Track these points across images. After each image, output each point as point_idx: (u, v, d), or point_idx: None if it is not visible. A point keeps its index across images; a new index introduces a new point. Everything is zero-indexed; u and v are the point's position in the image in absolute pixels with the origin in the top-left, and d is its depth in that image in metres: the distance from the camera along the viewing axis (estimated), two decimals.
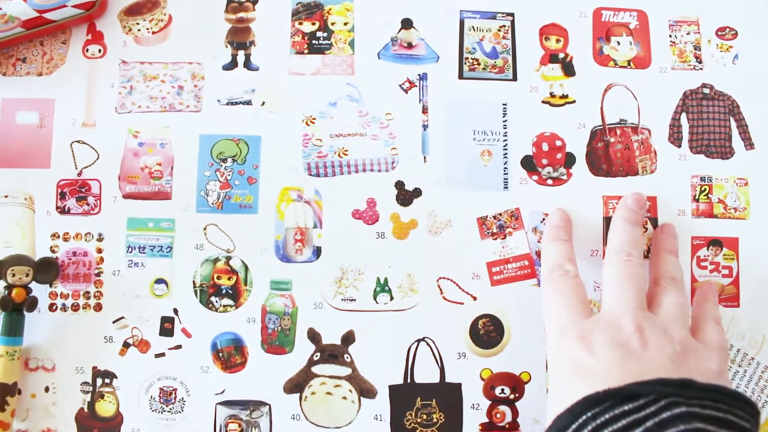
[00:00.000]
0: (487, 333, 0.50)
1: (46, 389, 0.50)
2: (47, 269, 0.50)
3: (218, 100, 0.52)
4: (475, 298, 0.51)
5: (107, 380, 0.50)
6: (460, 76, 0.53)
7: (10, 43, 0.51)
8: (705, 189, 0.52)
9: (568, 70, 0.53)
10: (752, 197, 0.52)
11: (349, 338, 0.50)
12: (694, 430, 0.33)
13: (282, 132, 0.52)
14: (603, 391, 0.37)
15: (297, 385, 0.50)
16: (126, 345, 0.50)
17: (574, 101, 0.53)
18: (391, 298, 0.50)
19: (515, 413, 0.50)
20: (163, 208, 0.51)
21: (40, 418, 0.50)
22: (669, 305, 0.43)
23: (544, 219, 0.51)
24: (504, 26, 0.53)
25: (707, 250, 0.52)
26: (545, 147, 0.52)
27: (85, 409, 0.50)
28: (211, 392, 0.50)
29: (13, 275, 0.48)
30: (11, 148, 0.51)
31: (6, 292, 0.48)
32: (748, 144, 0.53)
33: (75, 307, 0.50)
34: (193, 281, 0.50)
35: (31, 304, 0.49)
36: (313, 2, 0.53)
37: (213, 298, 0.50)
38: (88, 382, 0.50)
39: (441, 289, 0.51)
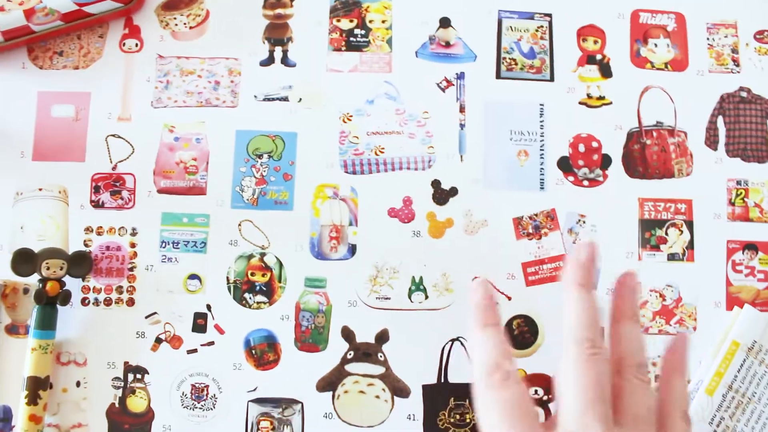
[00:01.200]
0: (522, 333, 0.50)
1: (78, 384, 0.49)
2: (81, 263, 0.49)
3: (255, 96, 0.51)
4: (509, 299, 0.50)
5: (139, 376, 0.49)
6: (498, 76, 0.52)
7: (49, 36, 0.50)
8: (741, 193, 0.52)
9: (606, 71, 0.52)
10: None
11: (383, 337, 0.49)
12: None
13: (318, 129, 0.51)
14: None
15: (330, 383, 0.49)
16: (158, 340, 0.49)
17: (610, 103, 0.52)
18: (426, 297, 0.49)
19: (548, 414, 0.49)
20: (197, 203, 0.50)
21: (71, 413, 0.49)
22: (638, 414, 0.35)
23: (579, 220, 0.51)
24: (542, 27, 0.53)
25: (742, 254, 0.51)
26: (582, 148, 0.52)
27: (116, 405, 0.49)
28: (243, 389, 0.49)
29: (48, 268, 0.47)
30: (46, 141, 0.51)
31: (40, 285, 0.47)
32: None
33: (108, 302, 0.50)
34: (227, 277, 0.50)
35: (65, 297, 0.48)
36: (352, 0, 0.52)
37: (246, 295, 0.49)
38: (120, 378, 0.49)
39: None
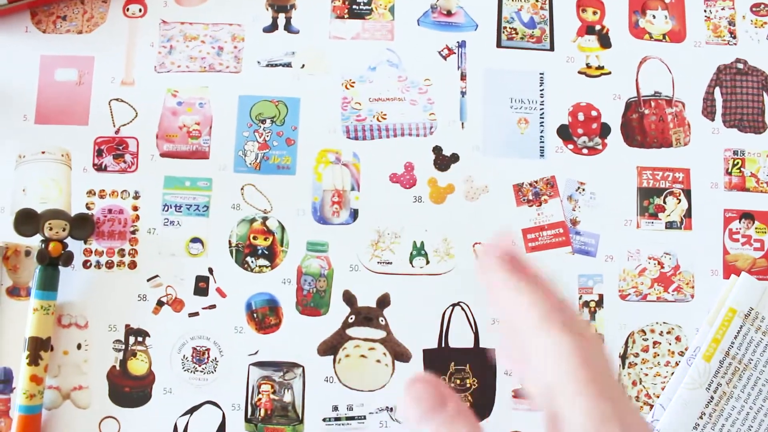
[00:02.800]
0: None
1: (79, 346, 0.49)
2: (83, 225, 0.49)
3: (258, 62, 0.51)
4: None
5: (140, 339, 0.49)
6: (498, 45, 0.52)
7: (52, 0, 0.50)
8: (738, 162, 0.52)
9: (605, 41, 0.53)
10: None
11: (384, 301, 0.49)
12: None
13: (321, 95, 0.51)
14: None
15: (331, 347, 0.49)
16: (160, 303, 0.49)
17: (609, 73, 0.52)
18: (427, 262, 0.49)
19: None
20: (200, 167, 0.50)
21: (72, 375, 0.49)
22: None
23: (579, 187, 0.51)
24: None
25: (739, 222, 0.51)
26: (581, 117, 0.52)
27: (117, 367, 0.48)
28: (244, 353, 0.49)
29: (50, 229, 0.47)
30: (49, 105, 0.50)
31: (43, 245, 0.47)
32: None
33: (109, 265, 0.49)
34: (229, 241, 0.49)
35: (67, 258, 0.48)
36: None
37: (249, 258, 0.49)
38: (121, 340, 0.49)
39: (477, 254, 0.50)
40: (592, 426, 0.23)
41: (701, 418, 0.49)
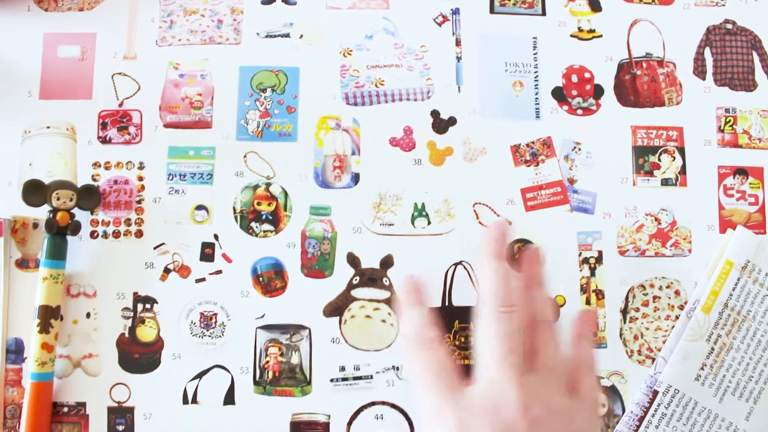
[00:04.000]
0: None
1: (88, 315, 0.49)
2: (89, 196, 0.49)
3: (257, 33, 0.52)
4: (510, 223, 0.51)
5: (148, 305, 0.49)
6: (491, 11, 0.53)
7: None
8: (730, 120, 0.53)
9: (595, 5, 0.54)
10: None
11: (387, 262, 0.50)
12: None
13: (320, 63, 0.52)
14: None
15: (336, 308, 0.49)
16: (167, 270, 0.50)
17: (601, 36, 0.53)
18: (429, 223, 0.50)
19: None
20: (203, 136, 0.51)
21: (82, 344, 0.49)
22: (549, 363, 0.38)
23: (575, 147, 0.52)
24: None
25: (733, 178, 0.52)
26: (574, 79, 0.53)
27: (126, 335, 0.49)
28: (251, 316, 0.49)
29: (58, 199, 0.48)
30: (54, 81, 0.51)
31: (51, 215, 0.48)
32: None
33: (116, 234, 0.50)
34: (234, 207, 0.50)
35: (75, 227, 0.48)
36: None
37: (253, 224, 0.50)
38: (129, 308, 0.49)
39: (477, 214, 0.51)
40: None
41: (702, 369, 0.49)
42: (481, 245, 0.41)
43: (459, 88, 0.52)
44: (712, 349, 0.49)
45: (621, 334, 0.50)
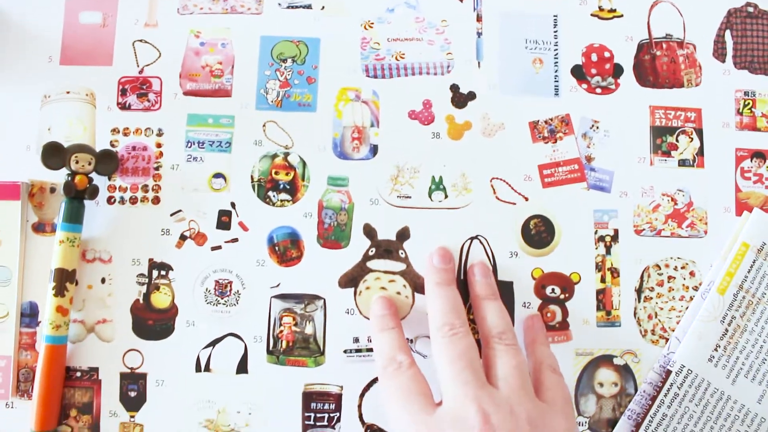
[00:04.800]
0: (539, 233, 0.50)
1: (103, 280, 0.49)
2: (108, 161, 0.49)
3: (279, 4, 0.52)
4: (527, 199, 0.51)
5: (163, 272, 0.49)
6: None
7: None
8: (748, 103, 0.53)
9: None
10: None
11: (404, 234, 0.50)
12: None
13: (341, 35, 0.52)
14: None
15: (352, 279, 0.49)
16: (183, 237, 0.50)
17: (621, 15, 0.53)
18: (446, 196, 0.50)
19: (565, 313, 0.50)
20: (223, 105, 0.51)
21: (96, 309, 0.49)
22: (507, 373, 0.40)
23: (593, 125, 0.52)
24: None
25: (751, 161, 0.52)
26: (594, 57, 0.53)
27: (141, 301, 0.49)
28: (266, 285, 0.49)
29: (77, 162, 0.48)
30: (74, 47, 0.51)
31: (69, 178, 0.48)
32: None
33: (133, 200, 0.50)
34: (251, 176, 0.50)
35: (93, 191, 0.48)
36: None
37: (270, 193, 0.50)
38: (144, 274, 0.49)
39: (494, 189, 0.50)
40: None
41: (716, 350, 0.49)
42: (427, 272, 0.46)
43: (479, 63, 0.52)
44: (726, 330, 0.49)
45: (635, 314, 0.50)
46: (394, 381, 0.41)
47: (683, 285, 0.51)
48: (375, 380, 0.49)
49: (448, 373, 0.40)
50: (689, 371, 0.49)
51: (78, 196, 0.48)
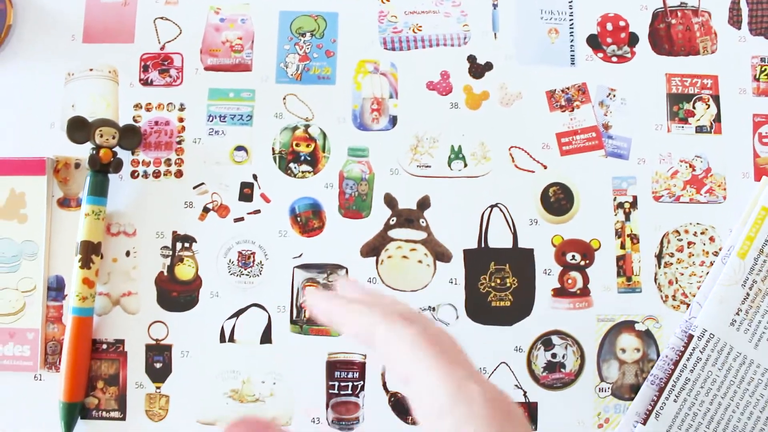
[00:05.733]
0: (558, 201, 0.51)
1: (127, 254, 0.50)
2: (131, 135, 0.50)
3: None
4: (545, 167, 0.51)
5: (187, 244, 0.50)
6: None
7: None
8: (765, 69, 0.53)
9: None
10: None
11: (424, 203, 0.50)
12: None
13: (358, 9, 0.52)
14: None
15: (373, 248, 0.50)
16: (206, 210, 0.50)
17: None
18: (465, 165, 0.51)
19: (586, 279, 0.50)
20: (243, 79, 0.51)
21: (122, 282, 0.50)
22: None
23: (610, 93, 0.52)
24: None
25: None
26: (609, 27, 0.53)
27: (165, 273, 0.50)
28: (288, 256, 0.50)
29: (101, 136, 0.48)
30: (96, 25, 0.52)
31: (94, 152, 0.48)
32: None
33: (156, 174, 0.51)
34: (272, 148, 0.51)
35: (117, 164, 0.49)
36: None
37: (291, 165, 0.50)
38: (168, 247, 0.50)
39: (513, 158, 0.51)
40: (453, 388, 0.25)
41: (737, 314, 0.49)
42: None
43: (495, 34, 0.52)
44: (748, 294, 0.49)
45: (656, 279, 0.50)
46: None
47: (703, 250, 0.51)
48: None
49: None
50: (711, 335, 0.49)
51: (102, 169, 0.48)
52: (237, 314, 0.49)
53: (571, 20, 0.53)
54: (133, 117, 0.51)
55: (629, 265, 0.50)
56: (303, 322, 0.49)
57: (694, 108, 0.52)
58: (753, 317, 0.49)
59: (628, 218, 0.51)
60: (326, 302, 0.31)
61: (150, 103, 0.51)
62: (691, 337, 0.49)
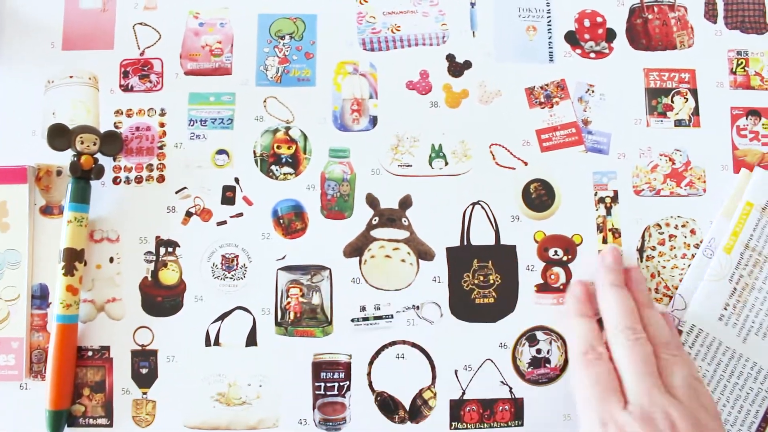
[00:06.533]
0: (539, 197, 0.51)
1: (111, 260, 0.50)
2: (112, 141, 0.50)
3: None
4: (526, 164, 0.51)
5: (170, 249, 0.50)
6: None
7: None
8: (741, 62, 0.54)
9: None
10: None
11: (406, 202, 0.50)
12: None
13: (337, 10, 0.52)
14: None
15: (356, 249, 0.50)
16: (188, 214, 0.50)
17: None
18: (446, 164, 0.51)
19: (569, 275, 0.50)
20: (223, 82, 0.51)
21: (106, 288, 0.50)
22: (683, 383, 0.42)
23: (588, 89, 0.52)
24: None
25: (746, 119, 0.53)
26: (587, 23, 0.53)
27: (149, 278, 0.50)
28: (272, 258, 0.50)
29: (82, 142, 0.48)
30: (76, 32, 0.52)
31: (75, 158, 0.48)
32: None
33: (138, 180, 0.51)
34: (254, 151, 0.51)
35: (99, 171, 0.49)
36: None
37: (273, 167, 0.51)
38: (152, 252, 0.50)
39: (493, 155, 0.51)
40: None
41: (725, 309, 0.49)
42: (601, 272, 0.47)
43: (473, 33, 0.52)
44: (735, 289, 0.50)
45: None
46: (593, 370, 0.43)
47: (684, 243, 0.51)
48: (383, 348, 0.49)
49: (634, 376, 0.42)
50: (700, 330, 0.49)
51: (84, 176, 0.48)
52: (222, 318, 0.49)
53: (548, 17, 0.53)
54: (114, 123, 0.51)
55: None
56: (288, 324, 0.49)
57: (672, 102, 0.53)
58: (740, 312, 0.50)
59: (609, 213, 0.51)
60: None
61: (131, 109, 0.51)
62: (679, 332, 0.49)
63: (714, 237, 0.51)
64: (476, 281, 0.50)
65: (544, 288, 0.50)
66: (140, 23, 0.52)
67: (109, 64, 0.52)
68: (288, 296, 0.49)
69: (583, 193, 0.51)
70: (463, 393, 0.49)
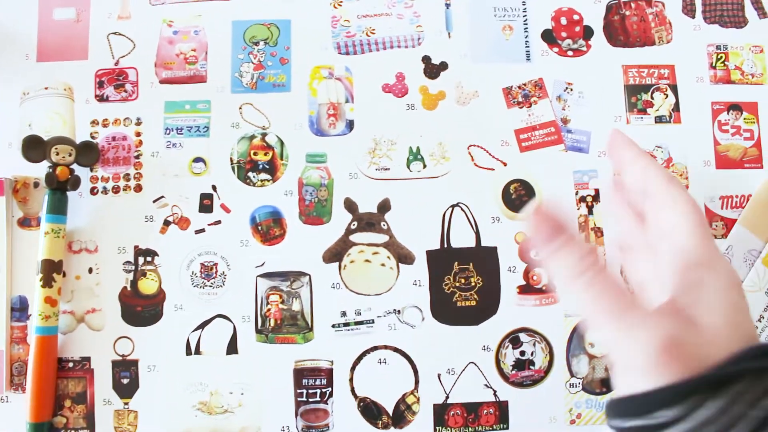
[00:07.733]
0: (519, 197, 0.51)
1: (90, 270, 0.50)
2: (88, 151, 0.50)
3: None
4: (505, 164, 0.51)
5: (149, 258, 0.50)
6: None
7: None
8: (721, 57, 0.53)
9: None
10: None
11: (385, 206, 0.50)
12: None
13: (311, 15, 0.52)
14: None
15: (336, 254, 0.50)
16: (166, 223, 0.50)
17: None
18: (424, 166, 0.51)
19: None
20: (199, 90, 0.51)
21: (85, 299, 0.50)
22: None
23: (567, 88, 0.52)
24: None
25: (727, 114, 0.52)
26: (563, 21, 0.53)
27: (128, 288, 0.50)
28: (251, 265, 0.50)
29: (57, 154, 0.48)
30: (50, 43, 0.52)
31: (50, 170, 0.48)
32: (761, 13, 0.54)
33: (116, 190, 0.51)
34: (231, 158, 0.51)
35: (75, 182, 0.49)
36: None
37: (250, 174, 0.50)
38: (131, 261, 0.50)
39: (472, 156, 0.51)
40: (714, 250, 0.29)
41: (759, 320, 0.49)
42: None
43: (449, 34, 0.52)
44: None
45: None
46: (590, 284, 0.30)
47: None
48: (365, 353, 0.49)
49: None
50: None
51: (60, 187, 0.48)
52: (202, 326, 0.49)
53: (524, 16, 0.53)
54: (90, 133, 0.51)
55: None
56: (268, 331, 0.49)
57: (652, 98, 0.52)
58: None
59: (591, 211, 0.51)
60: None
61: (107, 119, 0.51)
62: None
63: (732, 245, 0.50)
64: (457, 284, 0.49)
65: (526, 289, 0.49)
66: (114, 33, 0.52)
67: (84, 74, 0.52)
68: (268, 303, 0.49)
69: (564, 192, 0.50)
70: (447, 397, 0.48)
